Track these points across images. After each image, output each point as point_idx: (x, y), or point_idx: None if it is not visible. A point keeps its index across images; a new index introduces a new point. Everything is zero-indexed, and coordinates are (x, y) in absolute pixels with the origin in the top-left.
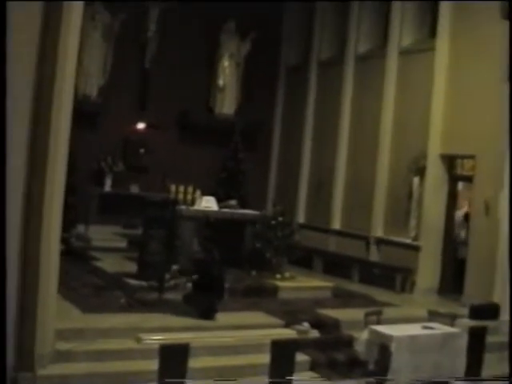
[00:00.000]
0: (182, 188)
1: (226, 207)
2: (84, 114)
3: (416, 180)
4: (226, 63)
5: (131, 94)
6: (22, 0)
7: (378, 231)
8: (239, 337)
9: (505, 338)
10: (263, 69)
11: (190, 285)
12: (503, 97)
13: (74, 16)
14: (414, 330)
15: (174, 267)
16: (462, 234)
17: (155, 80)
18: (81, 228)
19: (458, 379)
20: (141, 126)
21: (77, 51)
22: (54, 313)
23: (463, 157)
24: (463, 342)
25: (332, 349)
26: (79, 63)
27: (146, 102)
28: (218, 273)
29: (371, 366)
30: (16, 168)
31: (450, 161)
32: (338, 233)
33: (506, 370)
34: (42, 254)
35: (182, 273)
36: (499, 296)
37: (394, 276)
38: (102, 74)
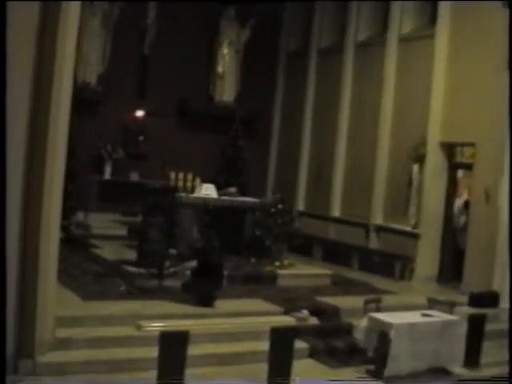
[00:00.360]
0: (181, 175)
1: (225, 195)
2: (83, 102)
3: (416, 168)
4: (225, 50)
5: (131, 81)
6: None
7: (378, 219)
8: (238, 324)
9: (504, 326)
10: (263, 56)
11: (188, 272)
12: (503, 85)
13: (72, 3)
14: (414, 317)
15: (172, 251)
16: (462, 221)
17: (154, 67)
18: (80, 215)
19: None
20: (140, 113)
21: (76, 38)
22: (54, 300)
23: (463, 144)
24: (462, 329)
25: (331, 336)
26: (78, 50)
27: (145, 89)
28: (217, 260)
29: (370, 354)
30: (15, 156)
31: (449, 148)
32: (338, 220)
33: (504, 357)
34: (42, 242)
35: (180, 258)
36: (498, 284)
37: (394, 264)
38: (102, 62)
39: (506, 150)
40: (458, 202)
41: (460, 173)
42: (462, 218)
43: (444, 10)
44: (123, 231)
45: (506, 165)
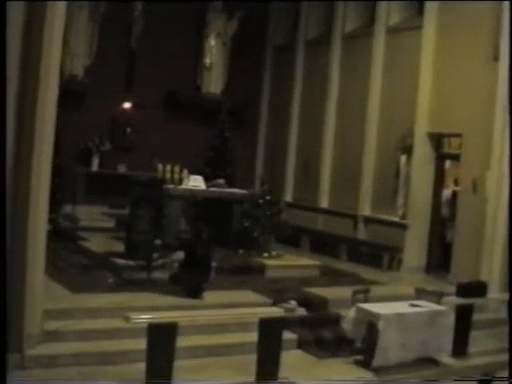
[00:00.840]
0: (169, 167)
1: (213, 186)
2: (70, 94)
3: (403, 158)
4: (212, 42)
5: (118, 74)
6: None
7: (366, 210)
8: (227, 315)
9: (491, 316)
10: (250, 48)
11: (176, 264)
12: (490, 75)
13: None
14: (402, 307)
15: (159, 242)
16: (449, 212)
17: (142, 59)
18: (68, 208)
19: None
20: (127, 105)
21: (63, 31)
22: (42, 293)
23: (450, 135)
24: (450, 319)
25: (319, 327)
26: (65, 43)
27: (132, 81)
28: (205, 252)
29: (358, 344)
30: None
31: (437, 139)
32: (326, 211)
33: (492, 346)
34: (30, 235)
35: (168, 250)
36: (486, 274)
37: (382, 254)
38: (89, 54)
39: (495, 141)
40: (446, 193)
41: (447, 163)
42: (450, 209)
43: (431, 1)
44: (111, 223)
45: (494, 156)
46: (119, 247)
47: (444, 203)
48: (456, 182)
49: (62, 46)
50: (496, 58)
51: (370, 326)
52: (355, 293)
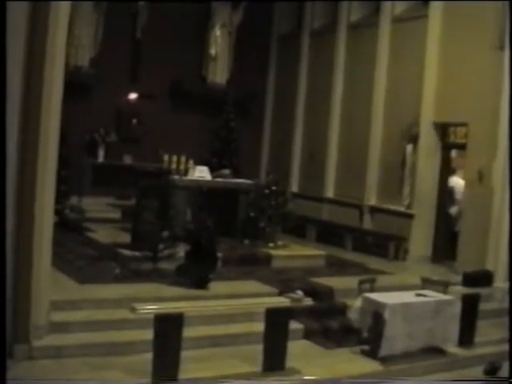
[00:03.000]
0: (174, 158)
1: (219, 177)
2: (76, 86)
3: (409, 148)
4: (217, 32)
5: (123, 65)
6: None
7: (372, 199)
8: (233, 305)
9: (498, 305)
10: (255, 38)
11: (183, 255)
12: (496, 64)
13: None
14: (408, 297)
15: (164, 232)
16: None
17: (147, 50)
18: (74, 199)
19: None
20: (133, 96)
21: (67, 22)
22: (49, 284)
23: (456, 124)
24: (456, 309)
25: (326, 317)
26: (70, 34)
27: (138, 72)
28: (211, 242)
29: (365, 334)
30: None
31: (442, 128)
32: (332, 201)
33: (498, 336)
34: (36, 226)
35: (174, 240)
36: (492, 263)
37: (388, 244)
38: (94, 45)
39: (501, 130)
40: (457, 182)
41: (453, 153)
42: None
43: None
44: (117, 214)
45: (501, 145)
46: (125, 238)
47: (450, 193)
48: (454, 171)
49: (67, 37)
50: (502, 46)
51: (376, 315)
52: (361, 283)
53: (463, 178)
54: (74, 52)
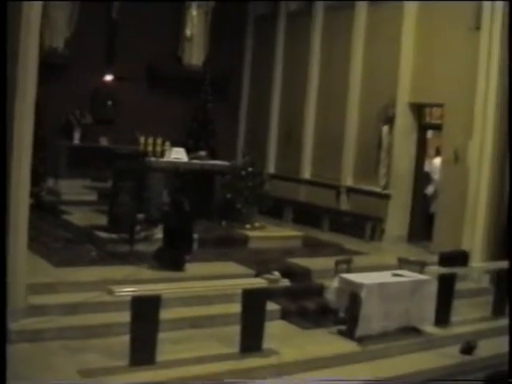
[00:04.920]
0: (151, 140)
1: (195, 158)
2: (51, 67)
3: (385, 129)
4: (193, 12)
5: (99, 46)
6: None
7: (348, 180)
8: (210, 287)
9: (474, 285)
10: (231, 18)
11: (159, 237)
12: (472, 45)
13: None
14: (384, 277)
15: (140, 216)
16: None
17: (123, 31)
18: (50, 182)
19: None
20: (109, 77)
21: (42, 3)
22: (25, 267)
23: (432, 105)
24: (433, 288)
25: (302, 297)
26: (45, 15)
27: (113, 53)
28: (186, 224)
29: (342, 314)
30: None
31: (418, 109)
32: (308, 182)
33: (474, 315)
34: (12, 209)
35: (151, 223)
36: (468, 243)
37: (364, 224)
38: (68, 26)
39: (477, 111)
40: (434, 162)
41: (429, 134)
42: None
43: None
44: (93, 197)
45: (476, 125)
46: (102, 220)
47: (426, 173)
48: (438, 152)
49: (42, 18)
50: (478, 27)
51: (353, 295)
52: (338, 263)
53: (440, 158)
54: (48, 33)
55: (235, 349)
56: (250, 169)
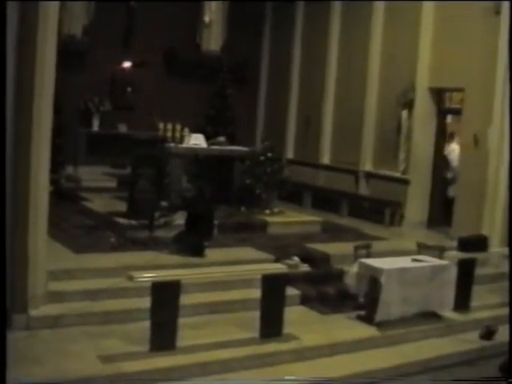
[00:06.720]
0: (170, 126)
1: (214, 144)
2: (69, 54)
3: (404, 113)
4: None
5: (117, 33)
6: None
7: (367, 165)
8: (230, 272)
9: (493, 270)
10: (250, 4)
11: (179, 222)
12: (492, 29)
13: None
14: (404, 262)
15: (163, 204)
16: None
17: (141, 17)
18: (70, 169)
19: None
20: (127, 64)
21: None
22: (45, 254)
23: (452, 90)
24: (452, 274)
25: (322, 283)
26: (63, 3)
27: (132, 39)
28: (207, 209)
29: (361, 299)
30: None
31: (438, 94)
32: (327, 167)
33: (493, 300)
34: (32, 196)
35: (171, 209)
36: (488, 228)
37: (383, 210)
38: (87, 13)
39: (497, 95)
40: (453, 149)
41: (449, 118)
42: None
43: None
44: (113, 183)
45: (496, 110)
46: (121, 207)
47: (446, 159)
48: (451, 137)
49: (60, 5)
50: (498, 11)
51: (373, 280)
52: (357, 248)
53: (459, 143)
54: (67, 20)
55: (255, 334)
56: (269, 154)
